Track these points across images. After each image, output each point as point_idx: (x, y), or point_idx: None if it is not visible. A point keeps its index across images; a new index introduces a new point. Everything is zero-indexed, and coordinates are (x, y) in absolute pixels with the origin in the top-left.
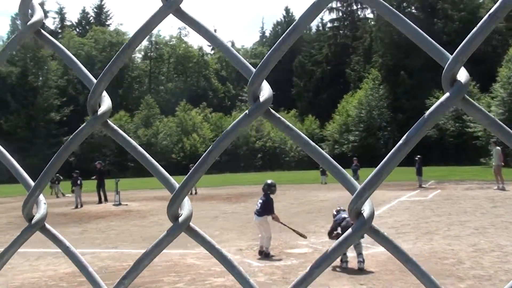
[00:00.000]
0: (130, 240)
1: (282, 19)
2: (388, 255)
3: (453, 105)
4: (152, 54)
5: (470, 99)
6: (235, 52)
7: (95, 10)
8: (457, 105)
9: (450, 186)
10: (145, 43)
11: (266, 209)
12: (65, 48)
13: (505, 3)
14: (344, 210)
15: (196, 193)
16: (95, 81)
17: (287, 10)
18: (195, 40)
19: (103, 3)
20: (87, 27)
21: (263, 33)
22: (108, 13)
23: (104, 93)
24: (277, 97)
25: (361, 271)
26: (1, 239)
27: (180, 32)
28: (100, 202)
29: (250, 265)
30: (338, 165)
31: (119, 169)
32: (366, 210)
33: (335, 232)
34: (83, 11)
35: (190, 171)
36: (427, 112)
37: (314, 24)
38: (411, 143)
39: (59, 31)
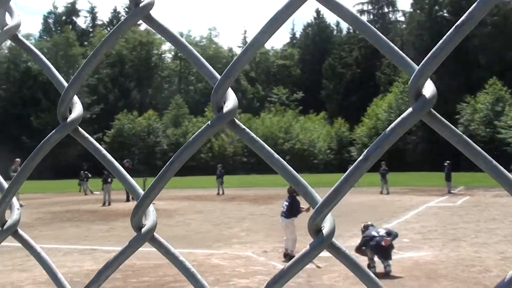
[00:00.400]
0: None
1: (313, 20)
2: (414, 260)
3: (416, 120)
4: (182, 54)
5: (437, 114)
6: (203, 60)
7: (126, 9)
8: (425, 120)
9: (479, 193)
10: None
11: (292, 211)
12: (41, 53)
13: (472, 15)
14: (373, 226)
15: (223, 193)
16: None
17: (317, 12)
18: (225, 41)
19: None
20: None
21: (293, 34)
22: None
23: (76, 100)
24: (306, 99)
25: (387, 275)
26: (29, 234)
27: (210, 32)
28: (128, 200)
29: (274, 267)
30: (301, 179)
31: (147, 168)
32: (326, 226)
33: (363, 248)
34: (115, 10)
35: (153, 181)
36: (389, 128)
37: (344, 27)
38: (372, 160)
39: (91, 30)
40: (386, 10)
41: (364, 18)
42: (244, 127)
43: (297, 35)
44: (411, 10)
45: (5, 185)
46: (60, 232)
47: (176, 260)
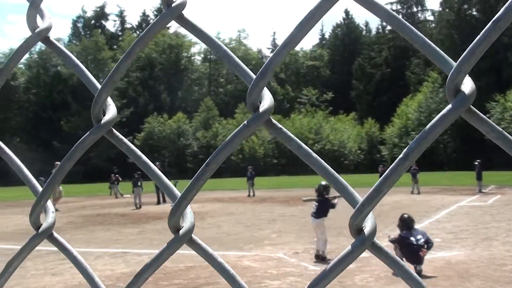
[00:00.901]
0: None
1: (342, 21)
2: (446, 260)
3: (456, 117)
4: (211, 56)
5: (475, 110)
6: (237, 60)
7: (155, 12)
8: (464, 116)
9: (510, 192)
10: (204, 45)
11: (322, 211)
12: (73, 56)
13: (508, 11)
14: (412, 223)
15: (254, 195)
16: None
17: (346, 12)
18: (254, 43)
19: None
20: None
21: (323, 35)
22: None
23: (110, 101)
24: (336, 100)
25: (419, 275)
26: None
27: (239, 34)
28: (159, 203)
29: (306, 269)
30: (341, 178)
31: (178, 170)
32: (367, 226)
33: (395, 244)
34: (143, 13)
35: (189, 182)
36: (428, 125)
37: (374, 27)
38: (412, 158)
39: (120, 33)
40: (415, 9)
41: None
42: (280, 126)
43: (326, 36)
44: (440, 9)
45: (39, 188)
46: (91, 235)
47: (214, 262)
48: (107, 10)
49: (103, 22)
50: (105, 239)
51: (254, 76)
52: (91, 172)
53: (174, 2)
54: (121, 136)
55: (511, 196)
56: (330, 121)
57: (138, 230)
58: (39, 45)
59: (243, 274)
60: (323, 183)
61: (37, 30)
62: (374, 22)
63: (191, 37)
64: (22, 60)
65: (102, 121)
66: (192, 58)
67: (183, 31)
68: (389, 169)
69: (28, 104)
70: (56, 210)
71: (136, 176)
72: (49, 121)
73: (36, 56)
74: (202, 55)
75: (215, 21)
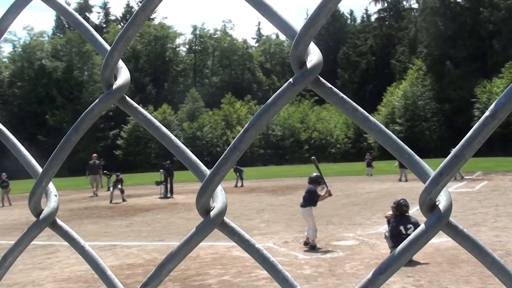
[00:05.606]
0: (176, 233)
1: None
2: (436, 246)
3: None
4: (196, 47)
5: None
6: (274, 8)
7: (139, 4)
8: None
9: (497, 177)
10: (189, 36)
11: (309, 200)
12: (75, 13)
13: None
14: (405, 209)
15: (242, 185)
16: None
17: None
18: (239, 33)
19: None
20: None
21: None
22: None
23: (121, 64)
24: None
25: (410, 262)
26: (48, 233)
27: (224, 25)
28: (166, 196)
29: (296, 258)
30: (406, 146)
31: (164, 161)
32: (442, 201)
33: (386, 235)
34: (127, 5)
35: (224, 154)
36: None
37: (358, 15)
38: (501, 116)
39: (104, 25)
40: None
41: (379, 6)
42: (330, 85)
43: None
44: None
45: (39, 168)
46: (79, 229)
47: (252, 248)
48: (91, 2)
49: (87, 14)
50: (93, 232)
51: (294, 26)
52: (78, 166)
53: None
54: (135, 105)
55: (498, 182)
56: (315, 110)
57: (127, 222)
58: (24, 39)
59: (233, 264)
60: (314, 174)
61: None
62: (359, 11)
63: (176, 28)
64: (6, 54)
65: (114, 86)
66: (177, 49)
67: (168, 22)
68: (472, 129)
69: (12, 98)
70: (96, 195)
71: (118, 174)
72: (34, 115)
73: (20, 49)
74: (187, 46)
75: (200, 11)
